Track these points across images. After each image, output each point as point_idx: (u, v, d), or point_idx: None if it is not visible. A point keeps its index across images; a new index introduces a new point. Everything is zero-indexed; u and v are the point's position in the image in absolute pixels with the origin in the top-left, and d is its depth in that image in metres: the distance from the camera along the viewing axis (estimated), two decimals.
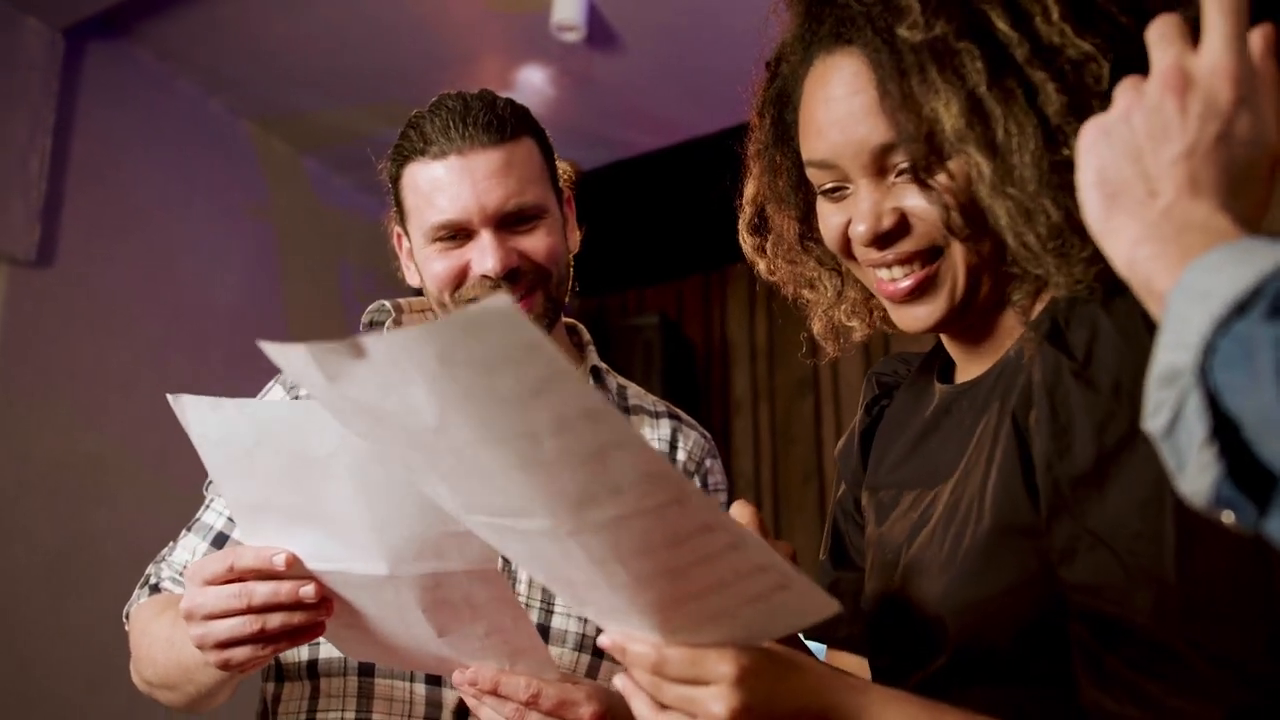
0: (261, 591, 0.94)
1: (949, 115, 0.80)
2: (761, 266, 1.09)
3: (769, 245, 1.07)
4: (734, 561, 0.68)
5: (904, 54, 0.83)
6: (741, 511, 0.92)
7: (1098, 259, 0.77)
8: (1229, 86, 0.62)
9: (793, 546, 0.94)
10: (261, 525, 0.95)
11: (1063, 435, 0.76)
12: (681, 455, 1.43)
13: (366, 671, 1.25)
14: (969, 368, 0.97)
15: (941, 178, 0.84)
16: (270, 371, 1.48)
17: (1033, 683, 0.81)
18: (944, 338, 1.00)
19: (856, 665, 1.07)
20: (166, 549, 1.39)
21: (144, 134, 3.35)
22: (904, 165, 0.86)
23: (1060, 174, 0.78)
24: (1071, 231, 0.77)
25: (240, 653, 0.97)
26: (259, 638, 0.96)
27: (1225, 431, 0.51)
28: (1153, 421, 0.55)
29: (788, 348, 4.32)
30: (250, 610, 0.94)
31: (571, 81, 3.50)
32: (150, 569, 1.37)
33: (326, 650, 1.26)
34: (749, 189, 1.08)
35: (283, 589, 0.94)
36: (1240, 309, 0.50)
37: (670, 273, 4.67)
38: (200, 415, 0.91)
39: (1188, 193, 0.61)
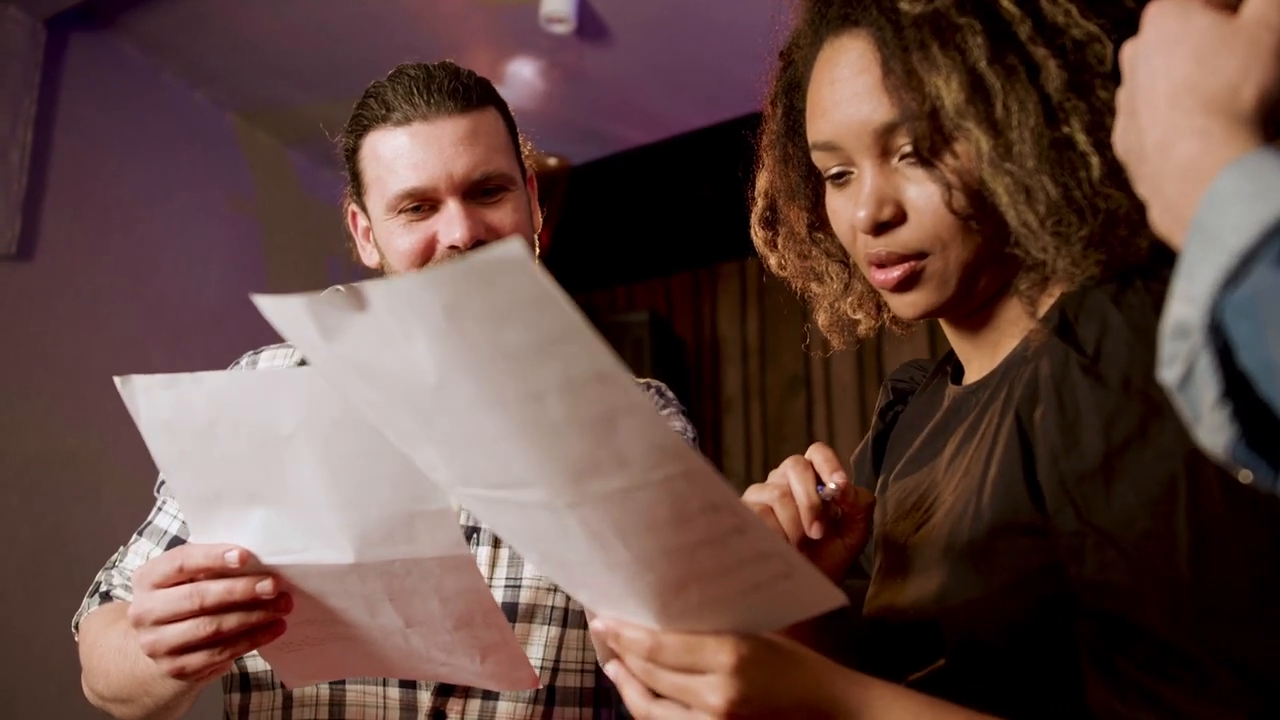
0: (215, 591, 0.88)
1: (949, 91, 0.79)
2: (772, 261, 1.07)
3: (780, 239, 1.06)
4: (738, 546, 0.65)
5: (906, 30, 0.82)
6: (819, 452, 0.91)
7: (1096, 240, 0.77)
8: None
9: (871, 495, 0.93)
10: (214, 519, 0.89)
11: (1070, 430, 0.73)
12: None
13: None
14: (975, 365, 0.96)
15: (946, 158, 0.83)
16: None
17: (1034, 683, 0.78)
18: (948, 333, 0.98)
19: None
20: (117, 554, 1.33)
21: (127, 126, 3.30)
22: (907, 147, 0.85)
23: (1060, 151, 0.77)
24: (1070, 210, 0.77)
25: (195, 659, 0.91)
26: (215, 640, 0.90)
27: (1239, 390, 0.49)
28: (1167, 373, 0.52)
29: (779, 346, 4.30)
30: (203, 612, 0.89)
31: (561, 75, 3.46)
32: (100, 575, 1.31)
33: None
34: (761, 181, 1.06)
35: (238, 586, 0.88)
36: (1250, 258, 0.47)
37: (660, 269, 4.64)
38: (152, 397, 0.85)
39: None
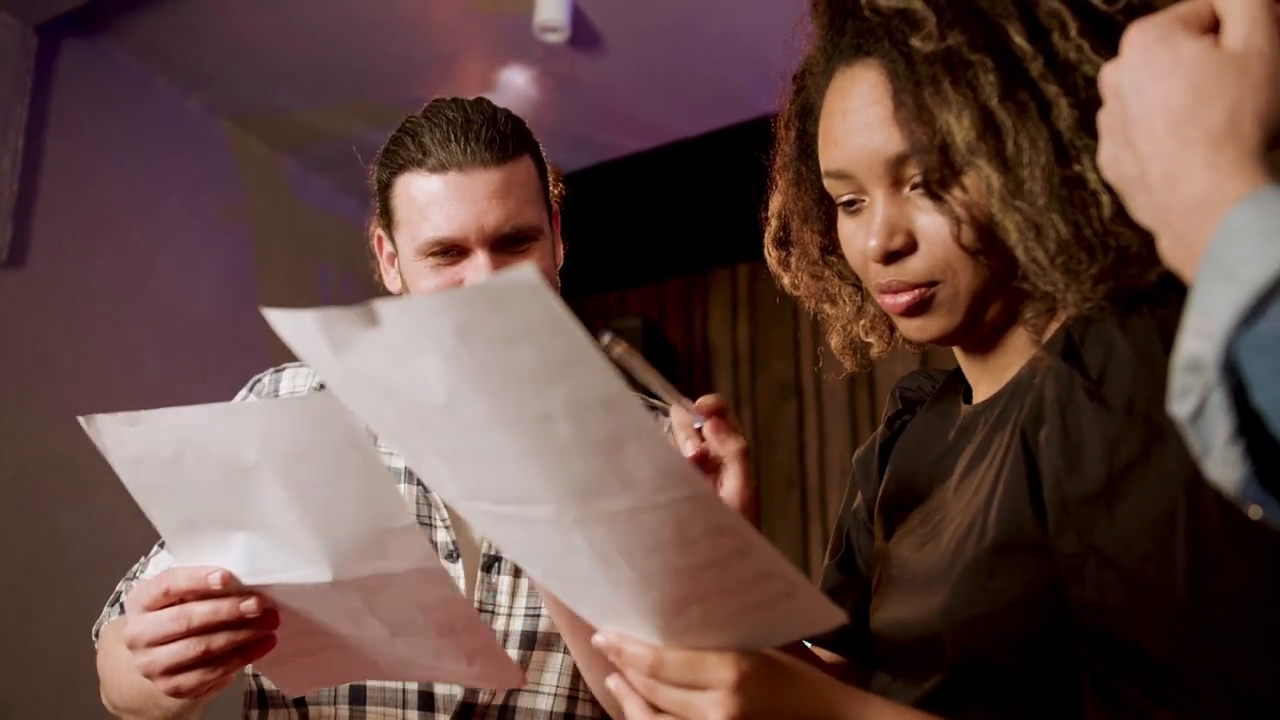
0: (200, 612, 0.91)
1: (960, 127, 0.80)
2: (786, 281, 1.09)
3: (793, 260, 1.07)
4: (741, 567, 0.66)
5: (918, 65, 0.83)
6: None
7: (1107, 276, 0.77)
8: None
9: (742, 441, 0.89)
10: (197, 543, 0.93)
11: (1073, 453, 0.75)
12: None
13: (357, 699, 1.22)
14: (983, 387, 0.97)
15: (956, 192, 0.84)
16: (243, 373, 1.45)
17: (1033, 703, 0.79)
18: (958, 355, 0.99)
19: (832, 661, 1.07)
20: (139, 565, 1.35)
21: (119, 132, 3.29)
22: (918, 178, 0.85)
23: (1070, 189, 0.77)
24: (1080, 247, 0.77)
25: (189, 678, 0.94)
26: (205, 660, 0.93)
27: (1252, 427, 0.49)
28: (1178, 406, 0.52)
29: (770, 352, 4.31)
30: (191, 633, 0.92)
31: (554, 83, 3.47)
32: (120, 586, 1.33)
33: None
34: (774, 203, 1.08)
35: (223, 606, 0.91)
36: (1269, 295, 0.47)
37: (652, 275, 4.66)
38: (117, 435, 0.89)
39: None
